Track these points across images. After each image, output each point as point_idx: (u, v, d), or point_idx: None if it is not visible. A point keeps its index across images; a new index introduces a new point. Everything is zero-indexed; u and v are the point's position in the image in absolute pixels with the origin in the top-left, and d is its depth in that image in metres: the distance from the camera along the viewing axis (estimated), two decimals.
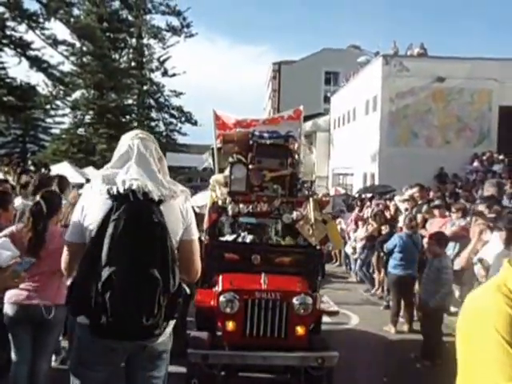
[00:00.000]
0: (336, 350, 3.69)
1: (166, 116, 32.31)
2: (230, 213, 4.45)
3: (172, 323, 2.10)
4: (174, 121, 32.34)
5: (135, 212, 1.89)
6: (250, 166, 4.67)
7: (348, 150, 21.05)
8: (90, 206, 2.02)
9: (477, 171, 15.94)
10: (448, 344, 5.18)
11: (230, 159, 4.73)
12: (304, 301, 3.65)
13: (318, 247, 4.50)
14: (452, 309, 5.95)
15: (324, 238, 4.56)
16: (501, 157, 16.13)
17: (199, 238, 4.41)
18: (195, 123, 31.96)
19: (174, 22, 29.65)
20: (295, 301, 3.65)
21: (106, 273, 1.80)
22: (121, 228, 1.84)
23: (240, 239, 4.67)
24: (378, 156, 18.12)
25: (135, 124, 31.23)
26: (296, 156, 4.96)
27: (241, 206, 4.46)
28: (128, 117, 31.76)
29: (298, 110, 5.05)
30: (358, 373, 4.71)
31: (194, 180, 23.08)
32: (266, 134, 4.85)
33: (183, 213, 2.09)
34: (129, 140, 2.14)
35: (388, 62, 17.68)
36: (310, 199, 4.51)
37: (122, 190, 1.90)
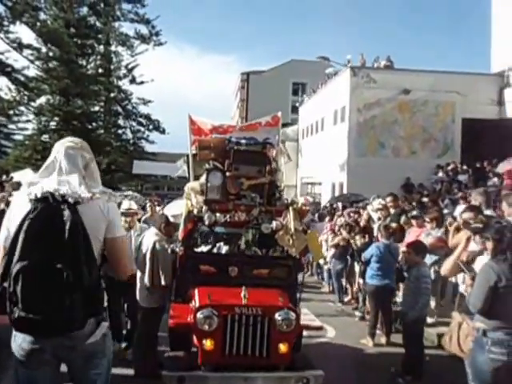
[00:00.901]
0: (320, 368, 3.51)
1: (134, 124, 31.71)
2: (207, 222, 4.19)
3: (104, 326, 2.20)
4: (141, 128, 31.77)
5: (49, 212, 2.05)
6: (227, 174, 4.44)
7: (316, 159, 21.23)
8: (15, 210, 2.16)
9: (442, 181, 16.39)
10: (428, 357, 5.13)
11: (207, 166, 4.50)
12: (287, 316, 3.43)
13: (297, 258, 4.32)
14: (428, 320, 5.90)
15: (304, 248, 4.37)
16: (464, 167, 16.68)
17: (173, 250, 4.19)
18: (163, 131, 31.53)
19: (143, 30, 29.35)
20: (278, 316, 3.43)
21: (16, 267, 1.95)
22: (34, 227, 2.00)
23: (216, 250, 4.43)
24: (346, 165, 18.35)
25: (101, 131, 30.50)
26: (274, 163, 4.78)
27: (218, 215, 4.22)
28: (94, 124, 30.95)
29: (276, 117, 4.90)
30: None
31: (161, 188, 22.57)
32: (243, 141, 4.65)
33: (104, 212, 2.20)
34: (56, 149, 2.32)
35: (356, 73, 18.04)
36: (290, 208, 4.33)
37: (39, 195, 2.07)
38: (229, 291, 3.73)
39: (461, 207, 10.15)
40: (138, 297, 4.63)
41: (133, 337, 4.78)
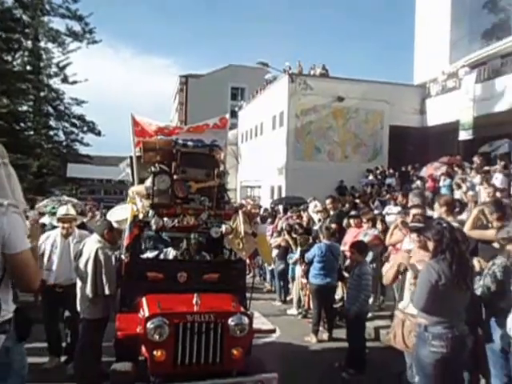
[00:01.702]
0: (269, 369, 3.51)
1: (67, 125, 29.70)
2: (154, 227, 4.02)
3: (2, 337, 2.11)
4: (75, 130, 29.87)
5: None
6: (175, 177, 4.31)
7: (256, 163, 21.46)
8: None
9: (372, 184, 17.27)
10: (368, 349, 5.37)
11: (152, 169, 4.32)
12: (240, 321, 3.39)
13: (247, 262, 4.31)
14: (369, 314, 6.18)
15: (253, 251, 4.37)
16: (391, 171, 17.75)
17: (118, 257, 3.98)
18: (99, 133, 29.98)
19: (76, 26, 27.61)
20: (231, 322, 3.38)
21: None
22: None
23: (163, 256, 4.27)
24: (284, 169, 18.77)
25: (31, 132, 28.23)
26: (222, 166, 4.73)
27: (165, 219, 4.07)
28: (23, 124, 28.42)
29: (224, 119, 4.84)
30: None
31: (97, 192, 21.47)
32: (190, 143, 4.52)
33: None
34: None
35: (293, 80, 18.51)
36: (240, 212, 4.29)
37: None
38: (179, 298, 3.61)
39: (389, 207, 10.87)
40: (78, 307, 4.33)
41: (73, 350, 4.45)
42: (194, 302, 3.37)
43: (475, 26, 19.08)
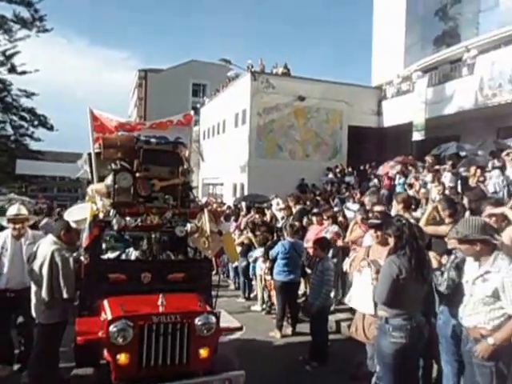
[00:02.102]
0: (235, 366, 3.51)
1: (15, 118, 27.93)
2: (116, 227, 3.89)
3: None
4: (24, 124, 28.19)
5: None
6: (137, 175, 4.19)
7: (218, 160, 21.35)
8: None
9: (332, 182, 17.66)
10: (330, 342, 5.49)
11: (113, 166, 4.17)
12: (207, 320, 3.36)
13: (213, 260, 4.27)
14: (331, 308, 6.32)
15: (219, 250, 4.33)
16: (350, 169, 18.24)
17: (76, 258, 3.82)
18: (51, 128, 28.53)
19: (24, 13, 25.98)
20: (198, 321, 3.33)
21: None
22: None
23: (126, 256, 4.15)
24: (247, 167, 18.80)
25: None
26: (187, 164, 4.65)
27: (127, 218, 3.94)
28: None
29: (189, 115, 4.77)
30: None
31: (50, 190, 20.48)
32: (153, 140, 4.42)
33: None
34: None
35: (256, 78, 18.54)
36: (205, 210, 4.24)
37: None
38: (143, 299, 3.52)
39: (348, 204, 11.15)
40: (33, 312, 4.11)
41: (28, 357, 4.23)
42: (159, 302, 3.29)
43: (427, 33, 19.96)
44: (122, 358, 3.14)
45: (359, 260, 4.35)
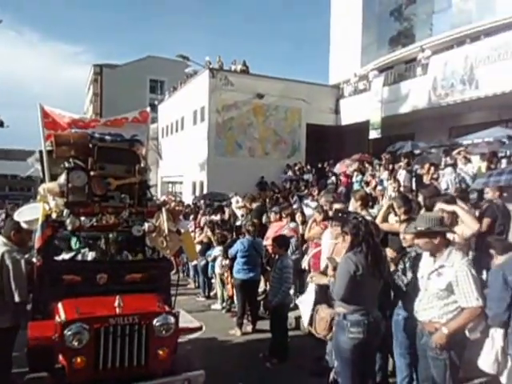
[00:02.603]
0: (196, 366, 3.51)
1: None
2: (70, 227, 3.77)
3: None
4: None
5: None
6: (92, 173, 4.08)
7: (177, 158, 21.06)
8: None
9: (291, 179, 17.90)
10: (289, 338, 5.58)
11: (66, 164, 4.04)
12: (166, 321, 3.32)
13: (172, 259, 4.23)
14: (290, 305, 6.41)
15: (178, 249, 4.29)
16: (309, 167, 18.55)
17: (28, 260, 3.66)
18: (1, 124, 26.99)
19: None
20: (156, 322, 3.29)
21: None
22: None
23: (81, 257, 4.02)
24: (206, 165, 18.66)
25: None
26: (144, 162, 4.57)
27: (82, 218, 3.84)
28: None
29: (145, 112, 4.67)
30: (213, 382, 4.59)
31: (1, 189, 19.41)
32: (108, 137, 4.30)
33: None
34: None
35: (214, 75, 18.41)
36: (163, 209, 4.18)
37: None
38: (99, 301, 3.43)
39: (306, 202, 11.35)
40: None
41: None
42: (115, 304, 3.23)
43: (383, 33, 20.59)
44: (78, 361, 3.05)
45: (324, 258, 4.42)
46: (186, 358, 3.63)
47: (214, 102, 18.48)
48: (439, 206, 4.12)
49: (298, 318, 6.62)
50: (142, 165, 4.55)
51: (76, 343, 3.03)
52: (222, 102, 18.59)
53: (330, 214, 5.42)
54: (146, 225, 4.03)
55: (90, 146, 4.27)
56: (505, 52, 12.64)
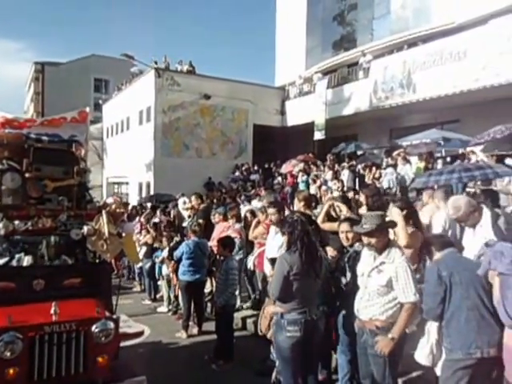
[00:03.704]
0: (138, 371, 3.46)
1: None
2: (2, 232, 3.58)
3: None
4: None
5: None
6: (27, 175, 3.92)
7: (123, 159, 20.48)
8: None
9: (238, 180, 18.01)
10: (236, 339, 5.61)
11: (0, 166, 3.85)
12: (105, 327, 3.24)
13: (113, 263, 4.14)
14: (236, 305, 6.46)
15: (119, 252, 4.21)
16: (256, 167, 18.76)
17: None
18: None
19: None
20: (95, 329, 3.20)
21: None
22: None
23: (16, 262, 3.83)
24: (152, 165, 18.32)
25: None
26: (83, 163, 4.43)
27: (16, 222, 3.67)
28: None
29: (84, 112, 4.54)
30: None
31: None
32: (45, 137, 4.16)
33: None
34: None
35: (161, 75, 18.11)
36: (103, 211, 4.08)
37: None
38: (35, 308, 3.29)
39: (254, 202, 11.50)
40: None
41: None
42: (51, 311, 3.11)
43: (327, 37, 21.19)
44: (11, 371, 2.91)
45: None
46: (127, 364, 3.56)
47: (161, 103, 18.19)
48: (394, 211, 4.09)
49: (244, 319, 6.68)
50: (82, 166, 4.43)
51: (8, 353, 2.89)
52: (169, 102, 18.34)
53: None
54: (86, 228, 3.91)
55: (26, 146, 4.10)
56: (439, 58, 13.38)
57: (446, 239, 3.53)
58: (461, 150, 10.56)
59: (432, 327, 3.25)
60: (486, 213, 3.65)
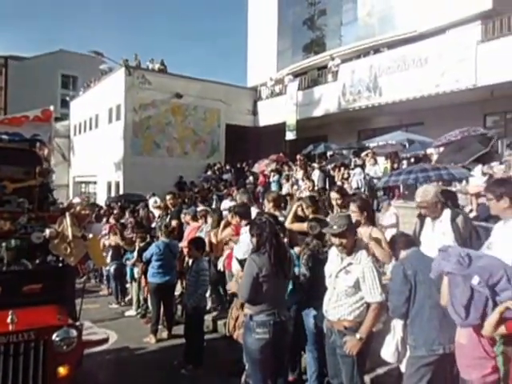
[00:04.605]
0: (103, 379, 3.34)
1: None
2: None
3: None
4: None
5: None
6: None
7: (91, 157, 19.96)
8: None
9: (210, 179, 17.89)
10: (206, 342, 5.52)
11: None
12: (67, 335, 3.10)
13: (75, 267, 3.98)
14: (207, 307, 6.37)
15: (84, 255, 4.06)
16: (228, 167, 18.69)
17: None
18: None
19: None
20: (56, 337, 3.06)
21: None
22: None
23: None
24: (122, 164, 17.95)
25: None
26: (46, 163, 4.25)
27: None
28: None
29: (48, 111, 4.36)
30: None
31: None
32: (5, 136, 3.98)
33: None
34: None
35: (131, 73, 17.78)
36: (67, 213, 3.92)
37: None
38: None
39: (226, 202, 11.43)
40: None
41: None
42: (8, 320, 2.95)
43: (297, 40, 21.45)
44: None
45: None
46: (90, 373, 3.43)
47: (131, 101, 17.86)
48: (373, 233, 4.01)
49: (215, 321, 6.60)
50: (45, 166, 4.24)
51: None
52: (140, 100, 18.03)
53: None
54: (48, 231, 3.75)
55: None
56: (403, 64, 14.01)
57: (410, 238, 3.59)
58: (428, 151, 10.93)
59: (397, 325, 3.30)
60: (447, 210, 3.74)
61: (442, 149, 9.80)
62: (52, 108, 4.49)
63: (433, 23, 14.43)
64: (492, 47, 11.87)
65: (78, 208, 4.41)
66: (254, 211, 5.45)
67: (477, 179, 7.23)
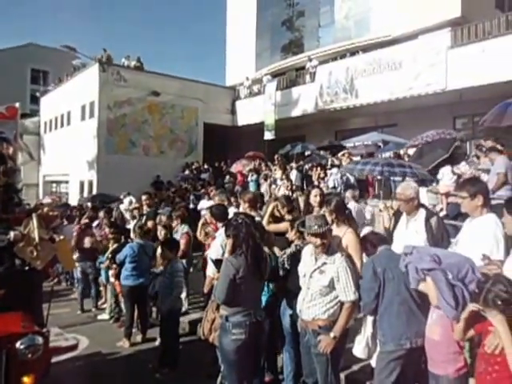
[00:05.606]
0: None
1: None
2: None
3: None
4: None
5: None
6: None
7: (62, 156, 19.41)
8: None
9: (188, 179, 17.70)
10: (182, 345, 5.41)
11: None
12: (32, 342, 2.94)
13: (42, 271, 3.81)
14: (183, 309, 6.26)
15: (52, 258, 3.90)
16: (206, 166, 18.53)
17: None
18: None
19: None
20: (20, 345, 2.90)
21: None
22: None
23: None
24: (95, 163, 17.55)
25: None
26: (11, 162, 4.06)
27: None
28: None
29: (13, 108, 4.16)
30: None
31: None
32: None
33: None
34: None
35: (105, 69, 17.38)
36: (33, 215, 3.75)
37: None
38: None
39: (204, 202, 11.31)
40: None
41: None
42: None
43: (276, 41, 21.55)
44: None
45: None
46: (60, 380, 3.29)
47: (105, 98, 17.46)
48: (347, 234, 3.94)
49: (191, 323, 6.48)
50: (9, 165, 4.05)
51: None
52: (114, 97, 17.64)
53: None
54: (12, 233, 3.58)
55: None
56: (378, 67, 14.36)
57: (382, 236, 3.66)
58: (402, 151, 11.19)
59: (368, 321, 3.38)
60: (422, 209, 3.80)
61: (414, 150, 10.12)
62: (18, 105, 4.28)
63: (406, 28, 14.86)
64: (461, 53, 12.31)
65: (45, 209, 4.23)
66: (232, 211, 5.39)
67: (446, 179, 7.47)
